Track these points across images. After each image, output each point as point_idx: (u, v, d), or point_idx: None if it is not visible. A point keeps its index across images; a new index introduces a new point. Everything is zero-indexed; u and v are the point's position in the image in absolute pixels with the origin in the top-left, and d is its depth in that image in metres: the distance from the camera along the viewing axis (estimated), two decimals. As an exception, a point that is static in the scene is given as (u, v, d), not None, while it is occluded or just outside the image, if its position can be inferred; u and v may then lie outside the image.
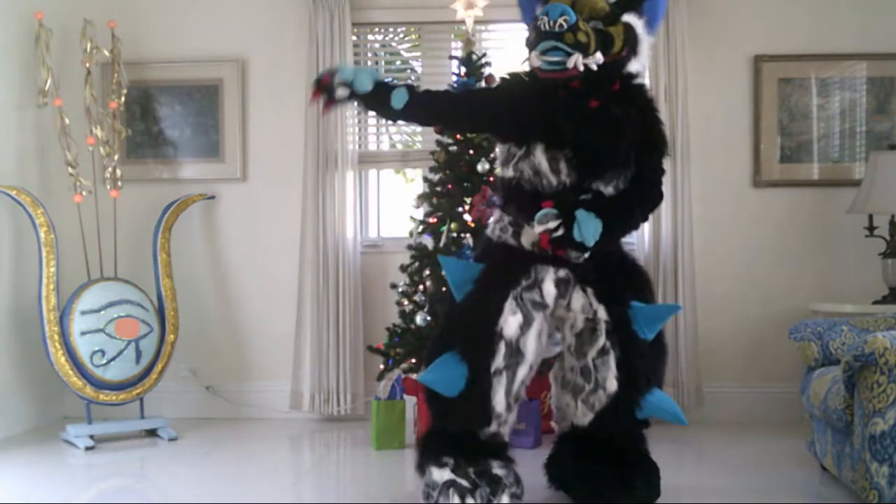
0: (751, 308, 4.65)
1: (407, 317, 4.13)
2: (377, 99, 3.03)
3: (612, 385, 2.88)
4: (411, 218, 4.41)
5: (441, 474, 2.84)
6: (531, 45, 2.82)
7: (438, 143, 4.26)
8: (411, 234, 4.31)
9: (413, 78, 5.03)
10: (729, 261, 4.66)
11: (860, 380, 2.83)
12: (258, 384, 4.81)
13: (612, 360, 2.89)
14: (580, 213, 2.81)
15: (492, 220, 3.16)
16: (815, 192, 4.67)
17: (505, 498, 2.81)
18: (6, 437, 4.29)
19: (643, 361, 2.91)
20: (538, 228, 2.84)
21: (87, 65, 4.48)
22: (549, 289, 2.91)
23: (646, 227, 4.53)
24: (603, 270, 2.94)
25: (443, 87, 4.48)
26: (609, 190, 2.93)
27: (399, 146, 5.07)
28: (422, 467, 2.94)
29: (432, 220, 4.20)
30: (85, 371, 4.18)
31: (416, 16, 4.82)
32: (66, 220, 4.51)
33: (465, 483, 2.79)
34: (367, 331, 4.64)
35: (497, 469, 2.85)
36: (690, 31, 4.57)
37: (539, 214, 2.84)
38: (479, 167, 4.11)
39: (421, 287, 4.13)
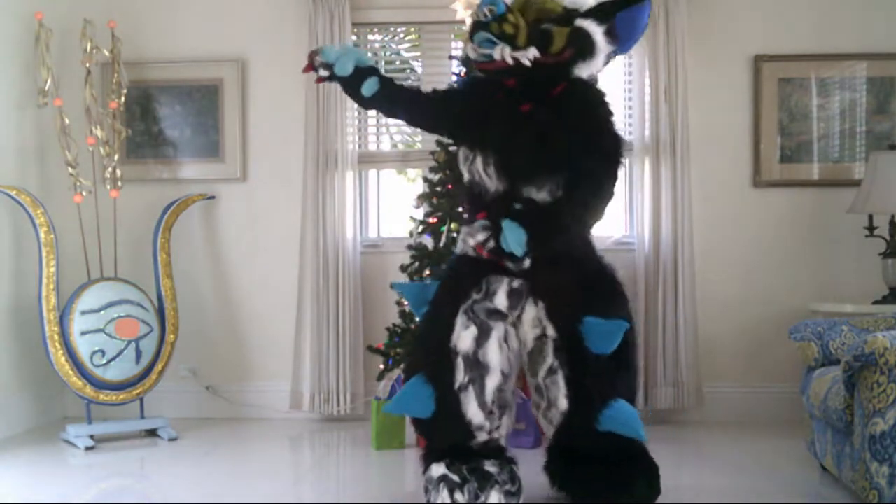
0: (751, 308, 4.65)
1: (407, 317, 4.13)
2: (351, 84, 3.08)
3: (563, 404, 2.87)
4: (411, 218, 4.41)
5: (437, 469, 2.88)
6: (469, 38, 2.85)
7: (438, 143, 4.26)
8: (411, 234, 4.31)
9: (413, 78, 5.03)
10: (729, 261, 4.67)
11: (860, 380, 2.83)
12: (258, 384, 4.81)
13: (560, 378, 2.87)
14: (504, 223, 2.72)
15: (460, 237, 3.12)
16: (815, 192, 4.67)
17: (494, 494, 2.82)
18: (6, 437, 4.30)
19: (596, 379, 2.84)
20: (470, 241, 2.84)
21: (87, 65, 4.48)
22: (501, 300, 2.89)
23: (646, 227, 4.54)
24: (559, 283, 2.89)
25: (442, 86, 4.50)
26: (542, 195, 2.87)
27: (399, 146, 5.07)
28: (425, 462, 2.97)
29: (432, 220, 4.20)
30: (85, 371, 4.18)
31: (416, 16, 4.82)
32: (66, 220, 4.51)
33: (455, 478, 2.82)
34: (367, 331, 4.64)
35: (489, 466, 2.86)
36: (690, 31, 4.57)
37: (471, 227, 2.83)
38: (479, 167, 4.10)
39: (421, 287, 4.13)
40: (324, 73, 3.08)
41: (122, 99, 4.62)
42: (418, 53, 5.01)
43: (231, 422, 4.70)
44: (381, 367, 4.18)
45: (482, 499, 2.80)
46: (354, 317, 4.62)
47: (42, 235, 4.25)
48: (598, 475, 2.95)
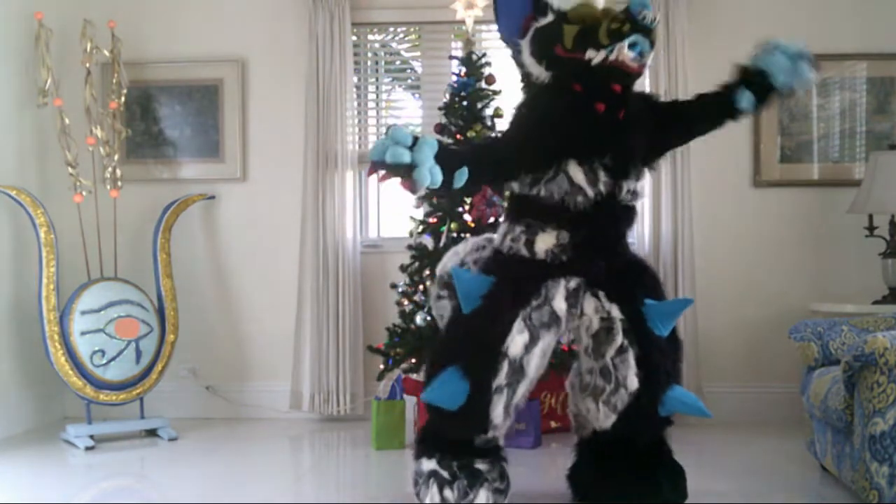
0: (751, 308, 4.65)
1: (407, 317, 4.13)
2: (441, 184, 2.75)
3: (634, 383, 2.85)
4: (411, 218, 4.41)
5: (428, 464, 2.89)
6: (621, 36, 2.74)
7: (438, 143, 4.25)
8: (411, 234, 4.31)
9: (413, 78, 5.03)
10: (729, 261, 4.67)
11: (860, 380, 2.82)
12: (258, 384, 4.82)
13: (630, 357, 2.86)
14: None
15: (500, 232, 3.10)
16: (815, 192, 4.67)
17: (483, 493, 2.82)
18: (6, 437, 4.30)
19: (662, 358, 2.89)
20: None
21: (87, 65, 4.48)
22: (560, 305, 2.88)
23: (646, 227, 4.54)
24: (612, 273, 2.94)
25: (442, 86, 4.51)
26: (639, 185, 2.98)
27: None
28: (417, 456, 2.98)
29: (432, 220, 4.20)
30: (85, 371, 4.18)
31: (416, 16, 4.82)
32: (66, 220, 4.51)
33: (445, 475, 2.83)
34: (367, 331, 4.64)
35: (480, 464, 2.87)
36: (690, 31, 4.57)
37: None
38: (479, 167, 4.10)
39: (421, 287, 4.13)
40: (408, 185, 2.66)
41: (122, 99, 4.62)
42: (418, 53, 5.01)
43: (231, 422, 4.70)
44: (381, 367, 4.18)
45: (471, 497, 2.81)
46: (354, 317, 4.62)
47: (42, 235, 4.25)
48: (623, 478, 2.95)
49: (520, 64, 3.01)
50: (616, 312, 2.89)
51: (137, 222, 4.72)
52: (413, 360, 4.04)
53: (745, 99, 2.91)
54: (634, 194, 2.96)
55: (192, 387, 4.80)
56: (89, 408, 4.24)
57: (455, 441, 2.90)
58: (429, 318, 4.02)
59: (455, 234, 4.10)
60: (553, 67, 2.88)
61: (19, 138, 4.57)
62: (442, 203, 4.17)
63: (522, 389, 2.89)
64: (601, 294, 2.92)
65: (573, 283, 2.91)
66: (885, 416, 2.70)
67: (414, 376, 4.00)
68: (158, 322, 4.40)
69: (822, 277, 4.62)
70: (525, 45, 2.95)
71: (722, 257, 4.66)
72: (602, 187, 2.87)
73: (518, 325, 2.85)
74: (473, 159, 2.84)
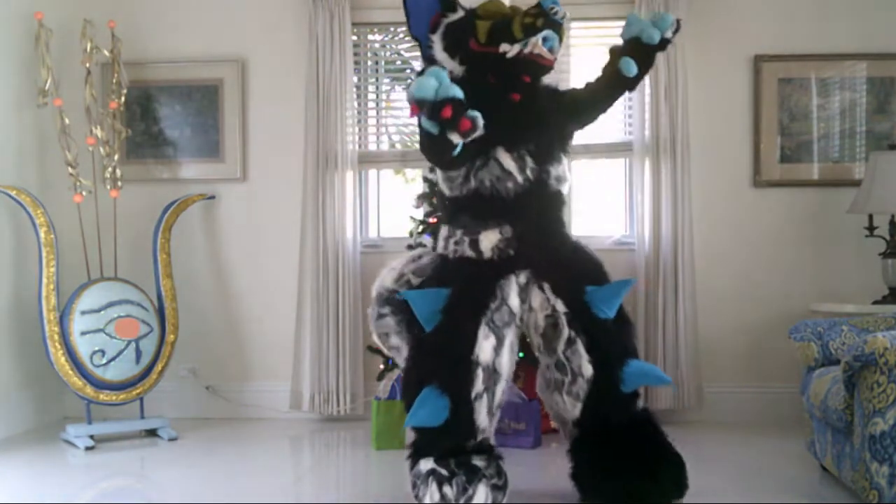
0: (751, 308, 4.64)
1: (407, 317, 4.13)
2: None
3: (588, 370, 2.97)
4: (411, 218, 4.41)
5: (425, 464, 2.92)
6: (536, 29, 2.90)
7: (438, 143, 4.25)
8: (411, 234, 4.30)
9: (413, 78, 5.02)
10: (729, 261, 4.67)
11: (860, 380, 2.83)
12: (258, 384, 4.82)
13: (580, 346, 2.98)
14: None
15: (440, 238, 3.15)
16: (815, 192, 4.67)
17: (482, 488, 2.84)
18: (6, 437, 4.30)
19: (611, 339, 3.00)
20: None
21: (87, 65, 4.48)
22: (515, 303, 3.00)
23: (646, 227, 4.54)
24: (557, 262, 3.05)
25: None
26: (559, 171, 3.09)
27: (399, 146, 5.07)
28: (413, 461, 2.99)
29: (432, 220, 4.20)
30: (85, 371, 4.18)
31: (417, 16, 4.81)
32: (66, 220, 4.51)
33: (444, 472, 2.86)
34: (367, 331, 4.59)
35: (477, 461, 2.90)
36: (690, 31, 4.55)
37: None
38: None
39: (421, 287, 4.12)
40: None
41: (122, 99, 4.62)
42: (418, 53, 4.99)
43: (231, 422, 4.70)
44: (381, 367, 4.18)
45: (469, 492, 2.83)
46: (354, 317, 4.62)
47: (42, 235, 4.25)
48: (625, 474, 2.98)
49: (429, 60, 3.16)
50: (560, 306, 3.00)
51: (137, 222, 4.72)
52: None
53: (629, 65, 3.08)
54: (559, 179, 3.08)
55: (192, 387, 4.80)
56: (89, 408, 4.24)
57: (447, 448, 2.93)
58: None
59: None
60: (467, 61, 3.05)
61: (19, 138, 4.57)
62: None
63: (500, 389, 2.96)
64: (546, 287, 3.02)
65: (522, 277, 3.02)
66: (885, 416, 2.70)
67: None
68: (158, 322, 4.40)
69: (822, 277, 4.62)
70: (437, 40, 3.13)
71: (722, 257, 4.66)
72: (530, 173, 3.00)
73: (482, 330, 2.93)
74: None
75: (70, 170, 4.44)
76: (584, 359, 2.97)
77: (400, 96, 5.09)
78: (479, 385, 2.89)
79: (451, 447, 2.93)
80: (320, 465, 4.03)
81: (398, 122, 5.13)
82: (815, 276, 4.63)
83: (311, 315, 4.61)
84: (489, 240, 3.01)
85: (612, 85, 3.20)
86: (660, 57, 4.47)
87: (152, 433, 4.36)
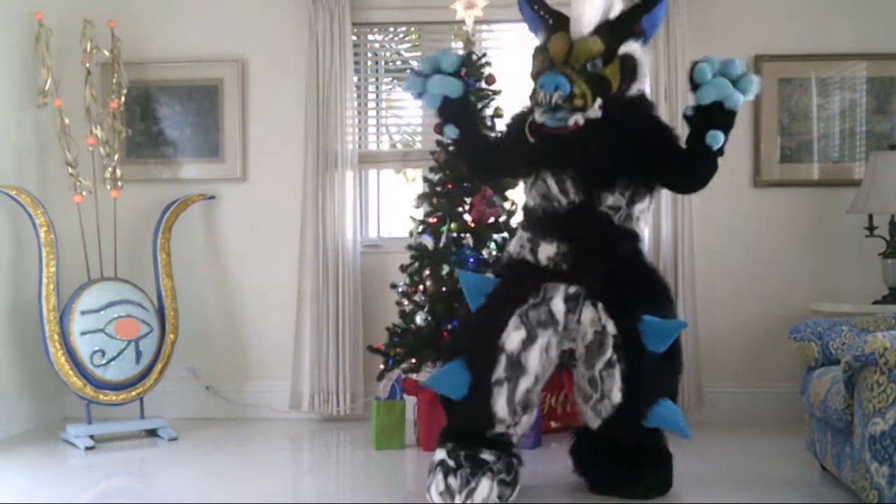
0: (751, 308, 4.64)
1: (407, 317, 4.13)
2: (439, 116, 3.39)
3: (617, 397, 2.99)
4: (411, 218, 4.41)
5: (439, 454, 3.01)
6: (535, 103, 2.99)
7: (438, 143, 4.25)
8: (411, 234, 4.30)
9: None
10: (729, 261, 4.66)
11: (860, 380, 2.82)
12: (258, 384, 4.81)
13: (617, 373, 2.99)
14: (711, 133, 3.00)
15: (515, 238, 3.34)
16: (815, 192, 4.67)
17: (485, 481, 2.90)
18: (6, 437, 4.29)
19: (650, 375, 3.00)
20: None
21: (87, 65, 4.48)
22: (559, 306, 3.06)
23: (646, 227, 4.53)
24: (615, 284, 3.06)
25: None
26: (616, 199, 3.09)
27: (399, 146, 5.07)
28: (437, 443, 3.10)
29: (432, 220, 4.20)
30: (85, 371, 4.18)
31: (416, 16, 4.82)
32: (66, 220, 4.51)
33: (451, 463, 2.94)
34: (367, 331, 4.64)
35: (486, 455, 2.96)
36: (690, 31, 4.56)
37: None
38: (480, 167, 4.10)
39: (421, 287, 4.13)
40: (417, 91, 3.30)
41: (122, 99, 4.62)
42: (418, 53, 5.00)
43: (231, 422, 4.70)
44: (381, 367, 4.17)
45: (472, 484, 2.90)
46: (354, 317, 4.62)
47: (42, 235, 4.25)
48: (610, 471, 3.13)
49: None
50: (611, 328, 3.02)
51: (137, 222, 4.72)
52: (413, 360, 4.03)
53: (717, 139, 2.97)
54: (615, 209, 3.10)
55: (192, 387, 4.80)
56: (89, 408, 4.24)
57: (466, 432, 3.02)
58: (429, 318, 4.02)
59: (455, 234, 4.10)
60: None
61: (19, 138, 4.57)
62: (442, 203, 4.17)
63: (524, 384, 3.00)
64: (600, 305, 3.04)
65: (573, 289, 3.06)
66: (885, 416, 2.69)
67: (414, 376, 4.00)
68: (158, 322, 4.40)
69: (822, 277, 4.62)
70: None
71: (722, 257, 4.66)
72: (575, 197, 3.06)
73: (514, 321, 3.02)
74: (468, 134, 3.29)
75: (70, 170, 4.44)
76: (618, 385, 2.99)
77: (400, 96, 5.09)
78: (500, 371, 2.98)
79: (468, 432, 3.01)
80: (320, 465, 4.03)
81: (398, 122, 5.13)
82: (815, 276, 4.63)
83: (311, 315, 4.61)
84: (546, 251, 3.12)
85: (696, 160, 3.10)
86: (660, 57, 4.52)
87: (152, 433, 4.36)
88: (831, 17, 4.64)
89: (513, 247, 3.29)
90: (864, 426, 2.77)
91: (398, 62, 5.14)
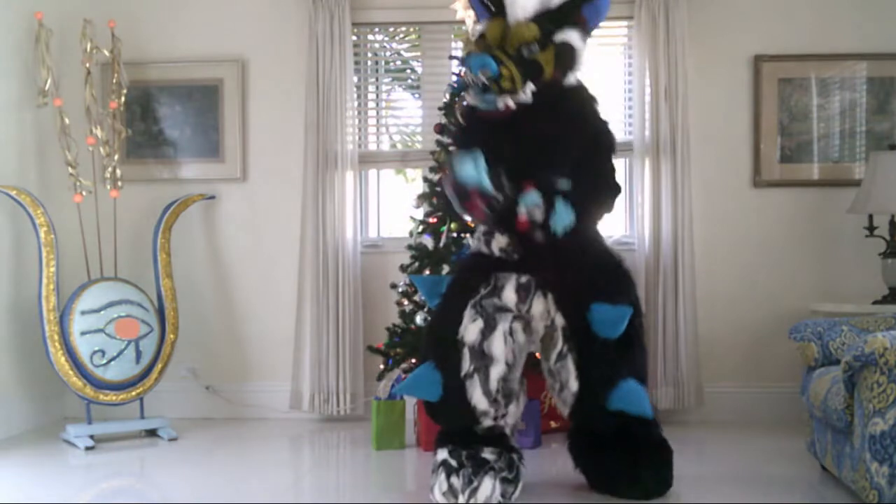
0: (751, 308, 4.64)
1: (407, 317, 4.13)
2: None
3: (574, 385, 3.06)
4: (411, 218, 4.41)
5: (441, 454, 3.03)
6: (465, 86, 3.01)
7: (438, 143, 4.26)
8: (411, 234, 4.31)
9: (413, 78, 5.03)
10: (729, 261, 4.66)
11: (860, 380, 2.82)
12: (258, 384, 4.81)
13: (570, 362, 3.06)
14: (559, 205, 2.97)
15: (474, 238, 3.36)
16: (815, 192, 4.67)
17: (488, 480, 2.93)
18: (6, 437, 4.29)
19: (603, 361, 3.03)
20: (522, 212, 2.96)
21: (87, 65, 4.48)
22: (510, 295, 3.08)
23: (646, 227, 4.54)
24: (564, 273, 3.08)
25: (442, 86, 4.52)
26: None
27: (399, 146, 5.08)
28: (435, 448, 3.12)
29: (432, 220, 4.20)
30: (85, 371, 4.18)
31: (416, 16, 4.82)
32: (66, 220, 4.51)
33: (453, 463, 2.97)
34: (367, 331, 4.64)
35: (487, 454, 2.99)
36: (690, 30, 4.57)
37: (527, 200, 2.96)
38: (479, 167, 4.10)
39: (421, 287, 4.13)
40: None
41: (122, 99, 4.62)
42: (418, 53, 5.01)
43: (231, 422, 4.70)
44: (381, 367, 4.18)
45: (475, 483, 2.92)
46: (354, 317, 4.62)
47: (42, 235, 4.25)
48: (608, 470, 3.13)
49: None
50: (559, 320, 3.07)
51: (137, 222, 4.72)
52: (413, 361, 4.03)
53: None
54: None
55: (192, 387, 4.80)
56: (89, 408, 4.24)
57: (458, 432, 3.06)
58: (429, 318, 4.02)
59: (455, 234, 4.10)
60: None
61: (19, 138, 4.57)
62: (442, 203, 4.17)
63: (496, 374, 3.03)
64: (550, 297, 3.08)
65: (524, 279, 3.09)
66: (885, 416, 2.69)
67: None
68: (158, 322, 4.40)
69: (822, 277, 4.62)
70: None
71: (722, 257, 4.66)
72: (508, 192, 3.00)
73: (469, 312, 3.06)
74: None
75: (70, 170, 4.44)
76: (573, 374, 3.05)
77: (400, 96, 5.09)
78: (466, 364, 3.02)
79: (459, 432, 3.04)
80: (320, 465, 4.03)
81: (398, 122, 5.13)
82: (815, 276, 4.63)
83: (311, 315, 4.61)
84: (498, 241, 3.14)
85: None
86: (660, 57, 4.52)
87: (152, 433, 4.36)
88: (831, 17, 4.64)
89: (472, 242, 3.34)
90: (864, 426, 2.77)
91: (398, 62, 5.14)
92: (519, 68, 2.93)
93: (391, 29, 4.99)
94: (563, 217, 2.98)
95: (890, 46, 4.62)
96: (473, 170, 2.88)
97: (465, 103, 3.08)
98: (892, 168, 4.23)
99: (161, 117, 4.87)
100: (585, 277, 3.09)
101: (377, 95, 5.02)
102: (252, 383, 4.82)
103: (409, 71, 5.11)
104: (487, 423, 3.05)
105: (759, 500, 3.20)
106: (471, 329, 3.03)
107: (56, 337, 4.18)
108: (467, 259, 3.31)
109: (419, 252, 4.17)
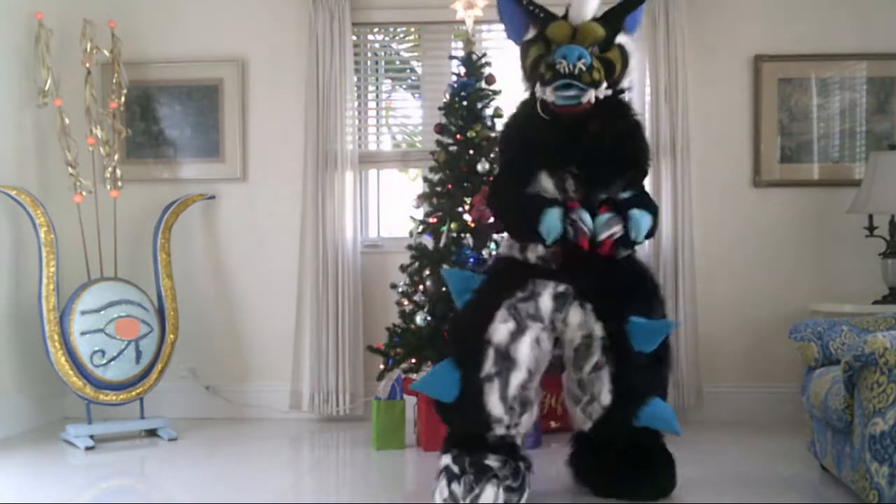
0: (751, 308, 4.64)
1: (407, 317, 4.13)
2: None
3: (607, 399, 3.00)
4: (411, 218, 4.41)
5: (444, 459, 2.98)
6: (546, 82, 2.97)
7: (438, 143, 4.26)
8: (411, 234, 4.30)
9: (413, 78, 5.03)
10: (729, 261, 4.66)
11: (860, 380, 2.82)
12: (258, 384, 4.81)
13: (605, 374, 3.00)
14: (635, 213, 3.00)
15: (503, 242, 3.33)
16: (815, 192, 4.67)
17: (490, 488, 2.87)
18: (6, 437, 4.29)
19: (639, 376, 3.00)
20: (604, 234, 2.98)
21: (87, 65, 4.48)
22: (546, 303, 3.01)
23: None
24: (604, 285, 3.03)
25: (442, 86, 4.51)
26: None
27: (400, 146, 5.07)
28: (441, 452, 3.07)
29: (432, 220, 4.20)
30: (85, 371, 4.18)
31: (416, 16, 4.82)
32: (66, 220, 4.51)
33: (455, 470, 2.91)
34: (367, 331, 4.64)
35: (491, 461, 2.92)
36: (690, 31, 4.57)
37: (600, 222, 2.99)
38: (479, 167, 4.11)
39: (421, 287, 4.13)
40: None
41: (122, 99, 4.62)
42: (418, 53, 5.01)
43: (231, 422, 4.70)
44: (381, 367, 4.17)
45: (476, 491, 2.87)
46: (354, 317, 4.62)
47: (42, 235, 4.25)
48: (611, 476, 3.10)
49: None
50: (598, 331, 3.01)
51: (137, 222, 4.72)
52: (413, 360, 4.04)
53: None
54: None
55: (192, 387, 4.80)
56: (89, 408, 4.24)
57: (468, 437, 2.98)
58: (429, 318, 4.02)
59: (455, 234, 4.10)
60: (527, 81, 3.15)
61: (19, 138, 4.57)
62: (442, 203, 4.17)
63: (517, 379, 2.95)
64: (588, 307, 3.02)
65: (562, 287, 3.02)
66: (885, 416, 2.70)
67: (414, 376, 4.00)
68: (158, 322, 4.40)
69: (822, 277, 4.62)
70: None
71: (722, 257, 4.66)
72: (572, 195, 3.02)
73: (501, 313, 2.96)
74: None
75: (70, 170, 4.44)
76: (607, 388, 3.00)
77: (400, 96, 5.09)
78: (488, 365, 2.92)
79: (467, 435, 2.97)
80: (320, 465, 4.03)
81: (398, 122, 5.13)
82: (815, 276, 4.63)
83: (311, 315, 4.61)
84: (535, 251, 3.10)
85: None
86: (660, 57, 4.52)
87: (152, 433, 4.36)
88: (831, 17, 4.64)
89: (502, 248, 3.30)
90: (864, 426, 2.77)
91: (398, 62, 5.14)
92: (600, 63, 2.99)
93: (391, 29, 4.99)
94: (641, 223, 3.00)
95: (890, 46, 4.62)
96: (559, 221, 2.93)
97: (541, 97, 3.02)
98: (892, 168, 4.23)
99: (161, 117, 4.87)
100: (625, 289, 3.06)
101: (377, 95, 5.02)
102: (252, 383, 4.82)
103: (409, 71, 5.11)
104: (500, 431, 2.96)
105: (759, 500, 3.20)
106: (501, 329, 2.94)
107: (56, 337, 4.18)
108: (502, 261, 3.24)
109: (419, 252, 4.17)
